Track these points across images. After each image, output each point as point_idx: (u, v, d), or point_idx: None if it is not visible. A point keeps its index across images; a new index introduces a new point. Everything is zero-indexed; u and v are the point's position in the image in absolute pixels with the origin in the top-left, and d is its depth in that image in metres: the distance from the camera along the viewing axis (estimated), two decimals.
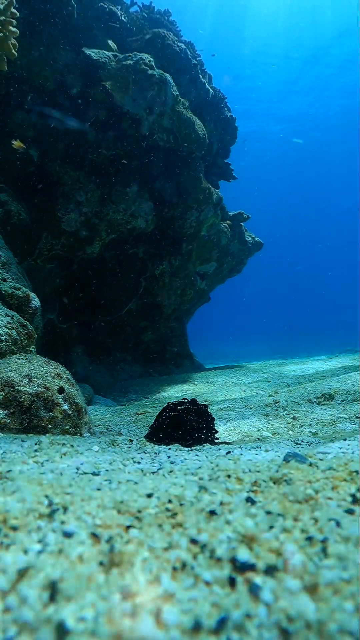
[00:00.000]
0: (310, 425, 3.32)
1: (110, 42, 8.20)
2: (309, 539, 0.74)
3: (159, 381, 8.29)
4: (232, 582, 0.65)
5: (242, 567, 0.68)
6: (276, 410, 3.89)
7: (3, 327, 3.11)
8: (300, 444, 2.31)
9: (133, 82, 7.63)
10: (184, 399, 2.63)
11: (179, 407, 2.52)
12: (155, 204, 8.84)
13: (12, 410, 2.24)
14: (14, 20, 4.54)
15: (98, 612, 0.59)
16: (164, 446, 2.14)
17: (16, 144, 5.74)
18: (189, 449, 2.09)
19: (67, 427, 2.43)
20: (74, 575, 0.65)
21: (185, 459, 1.64)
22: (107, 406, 5.87)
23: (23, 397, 2.29)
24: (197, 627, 0.57)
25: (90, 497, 0.91)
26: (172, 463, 1.49)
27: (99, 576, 0.66)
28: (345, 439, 2.16)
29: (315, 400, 4.03)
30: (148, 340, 9.81)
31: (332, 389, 4.25)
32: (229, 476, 1.04)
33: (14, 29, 4.55)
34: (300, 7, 37.47)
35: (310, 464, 1.10)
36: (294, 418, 3.59)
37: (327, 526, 0.77)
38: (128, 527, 0.79)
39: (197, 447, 2.26)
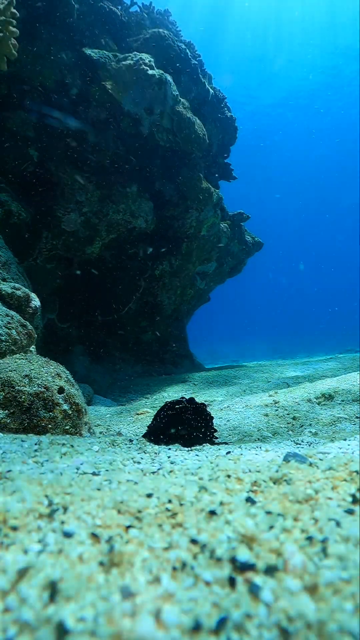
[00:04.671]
0: (310, 425, 3.32)
1: (110, 42, 8.20)
2: (309, 539, 0.74)
3: (159, 381, 8.29)
4: (232, 582, 0.65)
5: (242, 567, 0.68)
6: (276, 410, 3.89)
7: (3, 327, 3.11)
8: (300, 444, 2.31)
9: (133, 82, 7.63)
10: (182, 397, 2.61)
11: (176, 406, 2.50)
12: (155, 203, 8.84)
13: (12, 410, 2.24)
14: (14, 20, 4.54)
15: (98, 612, 0.59)
16: (164, 446, 2.13)
17: None
18: (189, 448, 2.09)
19: (67, 427, 2.43)
20: (74, 575, 0.65)
21: (185, 459, 1.64)
22: (107, 406, 5.87)
23: (23, 397, 2.29)
24: (197, 627, 0.57)
25: (90, 497, 0.90)
26: (172, 463, 1.49)
27: (98, 576, 0.65)
28: (345, 439, 2.16)
29: (315, 400, 4.03)
30: (148, 340, 9.81)
31: (332, 389, 4.24)
32: (229, 476, 1.04)
33: (14, 29, 4.55)
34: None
35: (310, 464, 1.10)
36: (294, 418, 3.59)
37: (327, 526, 0.77)
38: (128, 527, 0.79)
39: (197, 447, 2.26)
